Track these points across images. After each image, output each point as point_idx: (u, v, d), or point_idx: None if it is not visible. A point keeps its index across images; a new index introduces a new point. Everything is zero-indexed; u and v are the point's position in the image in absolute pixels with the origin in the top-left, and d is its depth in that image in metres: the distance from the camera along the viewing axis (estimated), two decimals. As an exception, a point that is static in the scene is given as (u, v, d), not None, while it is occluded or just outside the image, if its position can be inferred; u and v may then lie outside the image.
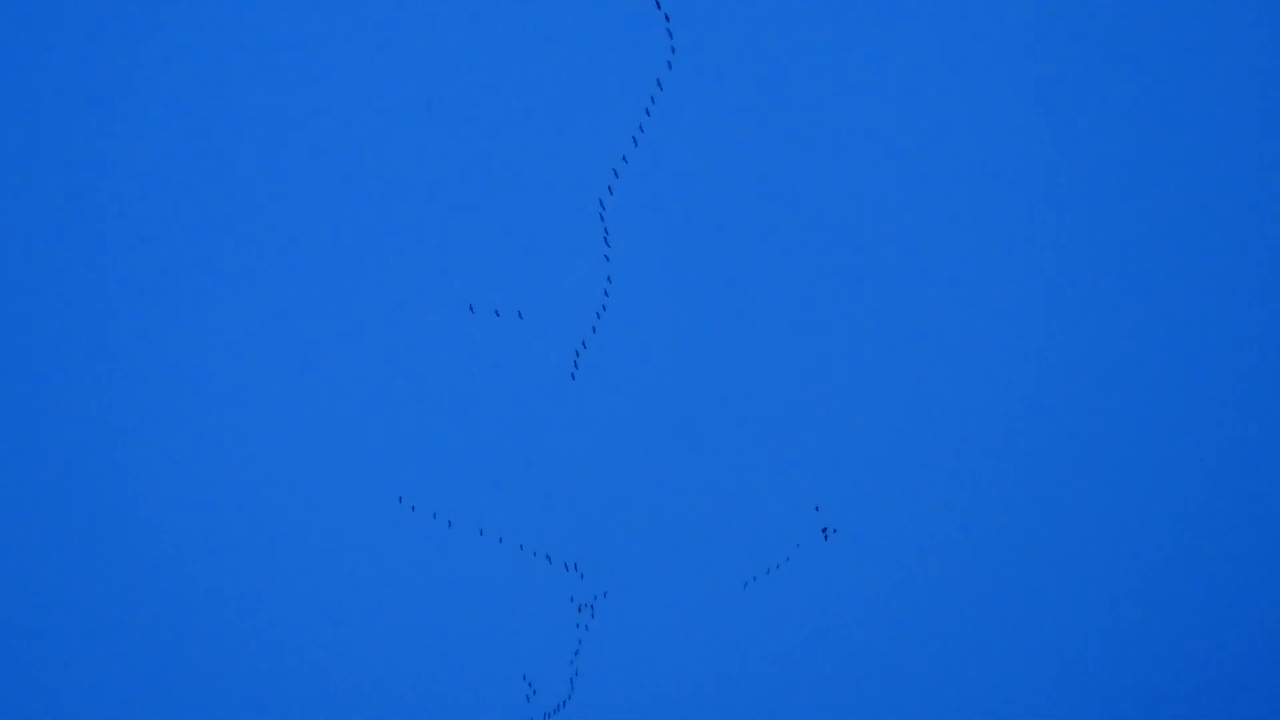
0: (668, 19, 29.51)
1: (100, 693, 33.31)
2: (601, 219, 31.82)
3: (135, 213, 31.40)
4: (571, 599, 34.36)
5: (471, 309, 32.42)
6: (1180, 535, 33.57)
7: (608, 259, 31.93)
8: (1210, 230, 31.39)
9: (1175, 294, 31.96)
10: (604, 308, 32.31)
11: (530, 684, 34.80)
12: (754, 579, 34.23)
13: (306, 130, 31.75)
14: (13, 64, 30.65)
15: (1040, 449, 33.29)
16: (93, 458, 32.08)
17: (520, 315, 32.40)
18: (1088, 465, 33.21)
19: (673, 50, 29.96)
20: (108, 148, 31.41)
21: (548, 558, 34.21)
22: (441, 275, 32.62)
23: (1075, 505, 33.49)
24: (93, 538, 32.49)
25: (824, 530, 34.02)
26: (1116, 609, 33.78)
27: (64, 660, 32.97)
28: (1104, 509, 33.45)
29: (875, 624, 34.37)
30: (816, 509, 34.03)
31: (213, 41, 31.08)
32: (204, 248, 31.79)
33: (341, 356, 33.22)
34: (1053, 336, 32.65)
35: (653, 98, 30.59)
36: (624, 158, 31.25)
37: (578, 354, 32.88)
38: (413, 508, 33.64)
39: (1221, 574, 33.49)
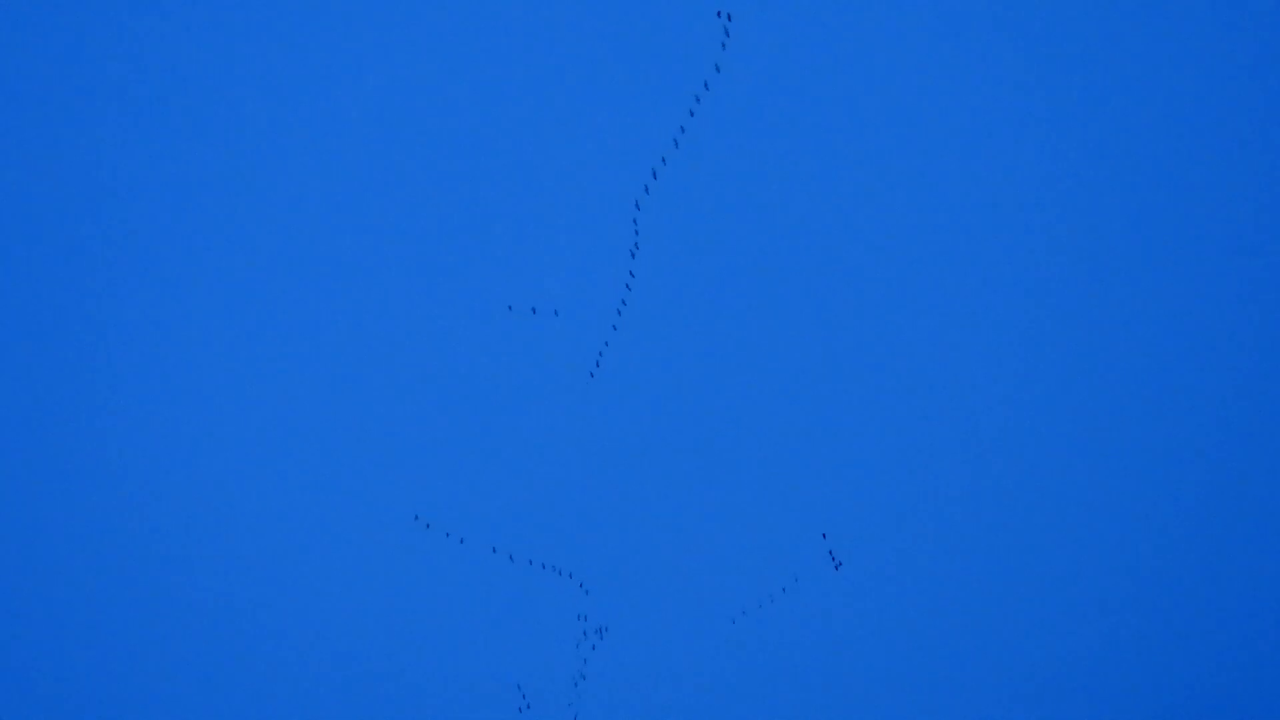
0: (729, 19, 29.83)
1: (125, 698, 33.33)
2: (634, 221, 31.88)
3: (177, 222, 31.70)
4: (579, 617, 33.82)
5: (510, 308, 32.35)
6: (1191, 566, 33.28)
7: (634, 255, 31.96)
8: (1208, 235, 31.52)
9: (1187, 327, 32.08)
10: (624, 302, 32.22)
11: (524, 695, 34.04)
12: (742, 614, 33.74)
13: (340, 130, 31.93)
14: (13, 65, 30.75)
15: (1055, 479, 33.11)
16: (105, 466, 32.10)
17: (556, 313, 32.33)
18: (1096, 489, 32.98)
19: (723, 47, 30.27)
20: (150, 152, 31.57)
21: (556, 570, 33.73)
22: (473, 272, 32.60)
23: (1085, 527, 33.18)
24: (103, 543, 32.34)
25: (831, 553, 33.64)
26: (1130, 643, 33.35)
27: (77, 666, 32.74)
28: (1116, 538, 33.15)
29: (885, 652, 33.80)
30: (824, 535, 33.66)
31: (264, 45, 31.43)
32: (223, 253, 31.91)
33: (349, 368, 33.12)
34: (1076, 379, 32.71)
35: (698, 98, 30.84)
36: (663, 159, 31.41)
37: (600, 353, 32.74)
38: (427, 525, 33.42)
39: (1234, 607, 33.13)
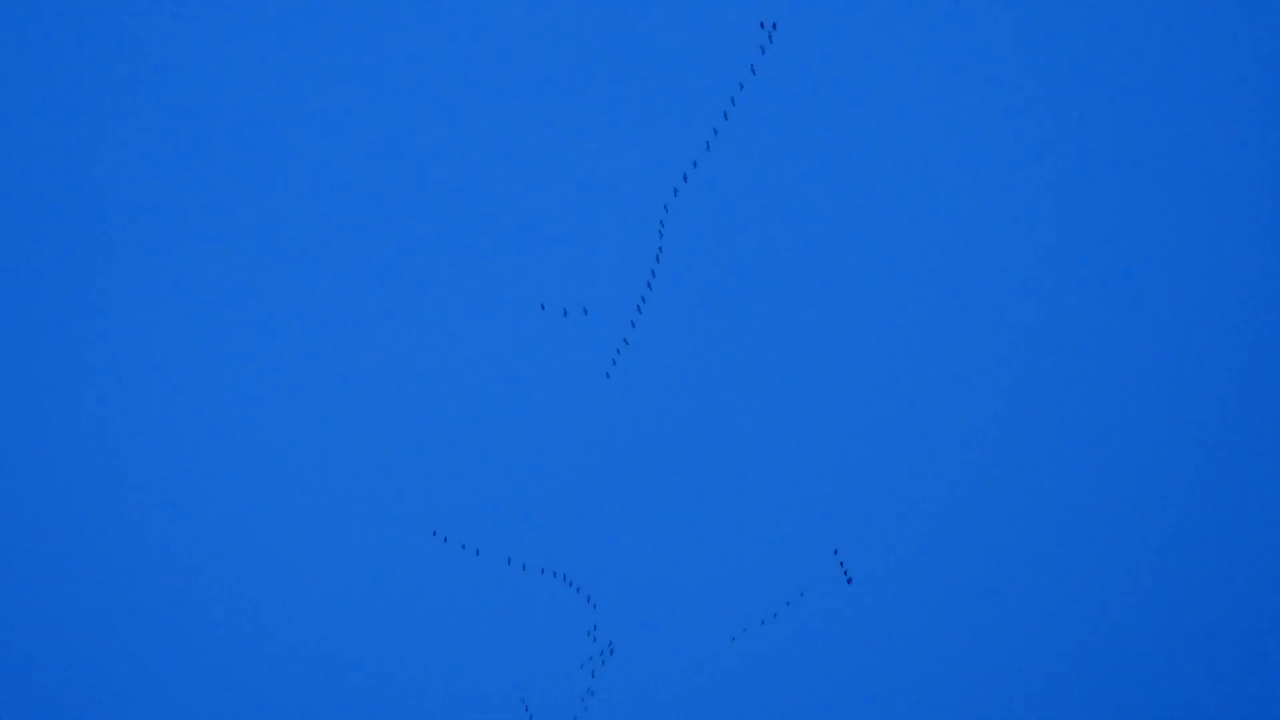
0: (774, 26, 29.86)
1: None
2: (661, 223, 31.73)
3: (207, 232, 31.76)
4: (589, 633, 33.40)
5: (543, 307, 32.18)
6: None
7: (658, 259, 31.85)
8: (1210, 241, 31.76)
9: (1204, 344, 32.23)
10: (644, 299, 32.07)
11: (528, 709, 33.46)
12: (743, 631, 33.45)
13: (373, 130, 32.33)
14: (13, 66, 30.41)
15: (1073, 497, 33.11)
16: (128, 482, 32.38)
17: (586, 312, 32.13)
18: (1114, 507, 32.99)
19: (762, 51, 30.26)
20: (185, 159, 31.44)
21: (568, 581, 33.33)
22: (493, 273, 32.54)
23: (1103, 545, 33.12)
24: (124, 560, 32.38)
25: (841, 565, 33.41)
26: (1147, 661, 33.26)
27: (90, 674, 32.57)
28: (1135, 555, 33.05)
29: (898, 668, 33.53)
30: (835, 552, 33.44)
31: (291, 47, 31.42)
32: (236, 257, 32.16)
33: (355, 383, 33.10)
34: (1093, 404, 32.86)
35: (733, 99, 30.78)
36: (695, 162, 31.30)
37: (618, 351, 32.49)
38: (444, 539, 33.09)
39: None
